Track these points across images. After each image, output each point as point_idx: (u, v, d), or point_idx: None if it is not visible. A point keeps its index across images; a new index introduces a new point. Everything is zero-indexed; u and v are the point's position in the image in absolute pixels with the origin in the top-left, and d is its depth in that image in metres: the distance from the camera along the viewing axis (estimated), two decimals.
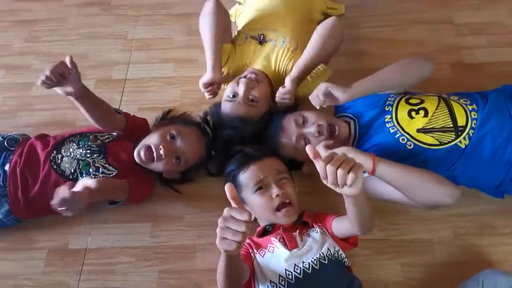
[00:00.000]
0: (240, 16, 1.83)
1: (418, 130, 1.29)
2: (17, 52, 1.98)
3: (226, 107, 1.49)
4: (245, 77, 1.51)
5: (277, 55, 1.63)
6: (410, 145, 1.28)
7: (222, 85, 1.59)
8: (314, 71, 1.58)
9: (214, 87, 1.54)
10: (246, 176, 1.28)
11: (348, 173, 0.91)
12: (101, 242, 1.41)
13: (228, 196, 0.88)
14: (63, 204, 1.11)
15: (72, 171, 1.38)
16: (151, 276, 1.34)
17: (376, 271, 1.30)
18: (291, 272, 1.12)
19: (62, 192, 1.11)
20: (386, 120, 1.34)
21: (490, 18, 1.92)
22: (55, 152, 1.41)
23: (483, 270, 1.14)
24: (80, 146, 1.42)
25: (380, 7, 2.01)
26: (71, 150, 1.41)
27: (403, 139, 1.29)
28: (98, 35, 2.02)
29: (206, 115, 1.58)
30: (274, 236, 1.21)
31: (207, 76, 1.52)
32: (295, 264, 1.13)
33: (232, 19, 1.85)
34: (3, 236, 1.42)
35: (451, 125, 1.27)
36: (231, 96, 1.49)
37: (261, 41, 1.66)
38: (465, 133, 1.26)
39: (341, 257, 1.18)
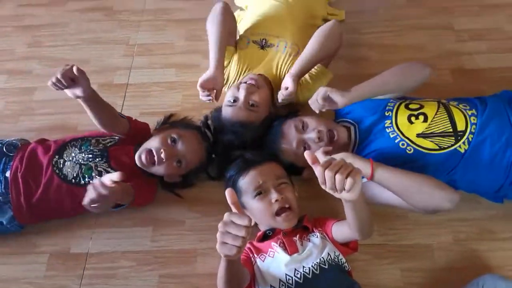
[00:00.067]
0: (241, 22, 1.84)
1: (418, 135, 1.29)
2: (20, 57, 2.00)
3: (227, 111, 1.50)
4: (245, 82, 1.52)
5: (279, 60, 1.64)
6: (410, 150, 1.29)
7: (223, 90, 1.59)
8: (314, 72, 1.59)
9: (214, 92, 1.50)
10: (245, 182, 1.28)
11: (346, 178, 0.92)
12: (102, 247, 1.41)
13: (229, 201, 0.89)
14: (100, 200, 1.12)
15: (75, 175, 1.38)
16: (152, 280, 1.34)
17: (375, 276, 1.30)
18: (292, 277, 1.12)
19: (98, 187, 1.11)
20: (386, 125, 1.34)
21: (490, 24, 1.93)
22: (57, 156, 1.41)
23: (482, 275, 1.14)
24: (82, 150, 1.43)
25: (381, 13, 2.02)
26: (73, 154, 1.42)
27: (403, 144, 1.30)
28: (100, 40, 2.03)
29: (207, 119, 1.59)
30: (274, 240, 1.22)
31: (207, 74, 1.48)
32: (295, 269, 1.14)
33: None
34: (5, 241, 1.43)
35: (451, 130, 1.28)
36: (232, 101, 1.49)
37: (263, 46, 1.67)
38: (465, 137, 1.26)
39: (341, 262, 1.18)
